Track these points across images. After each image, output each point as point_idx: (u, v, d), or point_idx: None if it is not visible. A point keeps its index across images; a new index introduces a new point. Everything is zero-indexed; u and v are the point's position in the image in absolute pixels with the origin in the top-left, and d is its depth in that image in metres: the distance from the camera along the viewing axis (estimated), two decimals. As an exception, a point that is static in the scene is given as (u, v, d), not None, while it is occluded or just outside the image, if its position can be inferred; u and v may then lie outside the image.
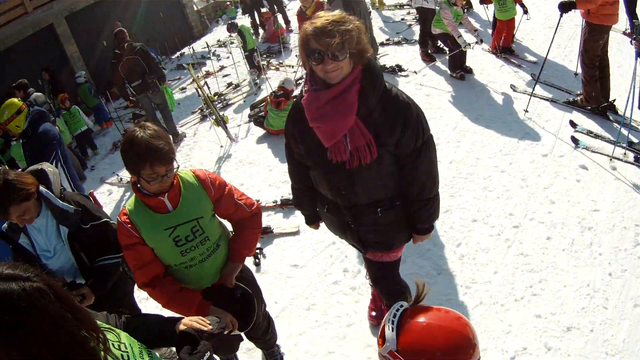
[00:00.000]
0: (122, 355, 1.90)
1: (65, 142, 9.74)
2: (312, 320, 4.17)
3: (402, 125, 2.54)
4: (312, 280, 4.59)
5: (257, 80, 10.77)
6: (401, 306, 1.76)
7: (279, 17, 14.26)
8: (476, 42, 8.15)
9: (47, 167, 3.31)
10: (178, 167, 2.71)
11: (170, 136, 2.57)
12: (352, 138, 2.52)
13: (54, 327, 1.46)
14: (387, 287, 3.32)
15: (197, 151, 8.56)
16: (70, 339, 1.52)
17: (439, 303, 3.75)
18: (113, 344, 1.90)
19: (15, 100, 5.53)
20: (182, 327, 2.12)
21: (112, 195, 8.27)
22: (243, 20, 15.87)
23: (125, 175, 8.89)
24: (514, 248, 4.35)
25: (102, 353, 1.67)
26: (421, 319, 1.69)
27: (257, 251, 5.20)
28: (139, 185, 2.65)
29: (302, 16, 7.21)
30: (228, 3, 20.24)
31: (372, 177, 2.65)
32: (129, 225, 2.70)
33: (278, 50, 11.39)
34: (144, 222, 2.70)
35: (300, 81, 9.45)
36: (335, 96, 2.47)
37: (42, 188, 3.07)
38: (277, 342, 3.90)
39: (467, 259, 4.31)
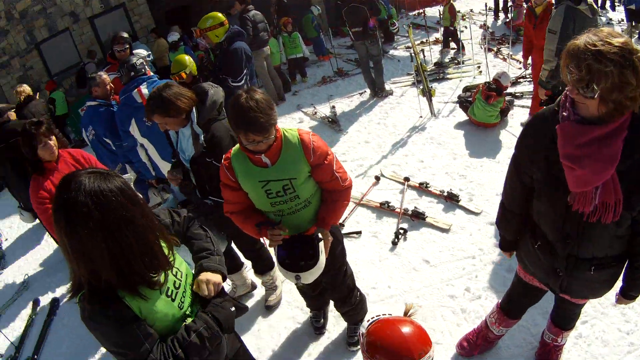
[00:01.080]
0: (174, 282, 2.15)
1: (275, 63, 10.48)
2: (408, 321, 4.08)
3: None
4: (432, 283, 4.50)
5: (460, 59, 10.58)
6: (390, 314, 2.11)
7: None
8: None
9: (214, 92, 3.65)
10: (275, 135, 2.85)
11: (274, 105, 2.76)
12: (602, 192, 2.21)
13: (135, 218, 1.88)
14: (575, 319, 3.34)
15: (396, 112, 8.64)
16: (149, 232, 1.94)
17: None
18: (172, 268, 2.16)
19: (220, 14, 6.18)
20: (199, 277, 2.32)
21: (301, 124, 8.76)
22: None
23: (321, 110, 9.29)
24: (632, 356, 3.67)
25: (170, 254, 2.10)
26: (396, 322, 2.01)
27: (401, 231, 5.24)
28: None
29: (530, 13, 6.64)
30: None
31: (604, 236, 2.42)
32: (228, 169, 2.97)
33: (512, 40, 10.73)
34: (241, 170, 2.95)
35: (520, 80, 8.87)
36: (602, 137, 2.11)
37: (193, 109, 3.49)
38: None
39: (582, 340, 3.78)
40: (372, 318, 2.14)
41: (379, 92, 9.35)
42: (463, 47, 11.16)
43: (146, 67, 5.52)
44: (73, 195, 1.75)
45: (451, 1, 11.51)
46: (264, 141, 2.75)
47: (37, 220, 6.69)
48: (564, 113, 2.22)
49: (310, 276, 3.00)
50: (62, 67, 15.15)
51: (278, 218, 3.09)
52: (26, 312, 5.99)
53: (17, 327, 5.79)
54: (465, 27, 12.01)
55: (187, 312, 2.22)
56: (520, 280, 3.17)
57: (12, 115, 6.79)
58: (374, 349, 1.99)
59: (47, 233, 7.00)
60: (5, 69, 14.82)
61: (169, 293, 2.11)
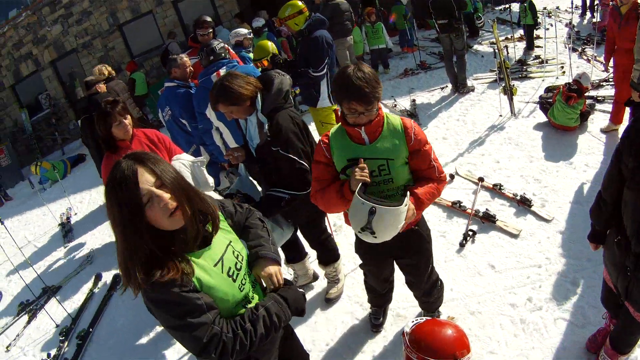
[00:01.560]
0: (236, 263, 2.30)
1: (358, 52, 10.52)
2: (466, 326, 4.13)
3: None
4: (495, 289, 4.52)
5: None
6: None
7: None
8: None
9: (280, 80, 3.78)
10: (377, 110, 2.95)
11: (380, 83, 2.88)
12: None
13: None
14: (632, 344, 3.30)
15: (476, 109, 8.62)
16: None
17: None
18: (234, 250, 2.33)
19: (299, 2, 6.24)
20: (261, 273, 2.43)
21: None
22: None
23: (401, 103, 9.33)
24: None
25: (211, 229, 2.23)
26: (440, 323, 2.28)
27: (470, 233, 5.28)
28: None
29: (615, 12, 6.36)
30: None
31: None
32: (325, 146, 3.10)
33: (596, 41, 10.29)
34: (338, 146, 3.07)
35: (603, 84, 8.56)
36: None
37: (258, 97, 3.63)
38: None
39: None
40: (415, 320, 2.34)
41: (460, 87, 9.35)
42: (532, 47, 11.05)
43: (227, 51, 5.78)
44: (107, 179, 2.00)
45: None
46: (366, 114, 2.85)
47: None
48: None
49: (384, 219, 2.78)
50: (143, 48, 15.90)
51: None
52: (87, 286, 6.42)
53: (76, 300, 6.22)
54: (551, 25, 11.66)
55: (248, 297, 2.33)
56: (604, 280, 3.22)
57: (102, 87, 7.22)
58: (417, 346, 2.16)
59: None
60: (87, 49, 15.73)
61: (230, 273, 2.22)
